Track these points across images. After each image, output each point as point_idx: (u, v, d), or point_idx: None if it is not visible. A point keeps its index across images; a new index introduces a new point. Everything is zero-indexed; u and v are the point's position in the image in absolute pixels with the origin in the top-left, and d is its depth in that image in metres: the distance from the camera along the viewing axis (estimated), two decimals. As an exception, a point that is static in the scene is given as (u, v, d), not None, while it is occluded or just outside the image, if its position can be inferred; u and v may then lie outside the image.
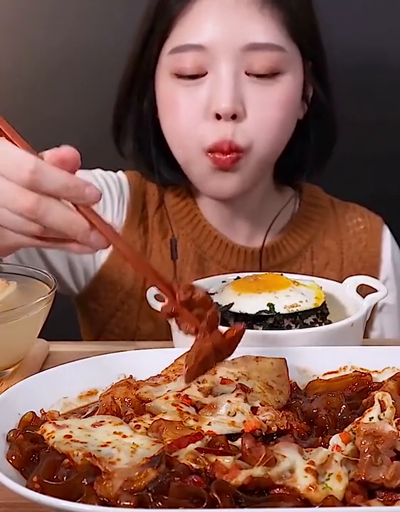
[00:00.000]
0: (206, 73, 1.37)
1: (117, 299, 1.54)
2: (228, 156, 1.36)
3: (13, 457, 0.78)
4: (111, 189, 1.55)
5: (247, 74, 1.36)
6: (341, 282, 1.19)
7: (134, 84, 1.47)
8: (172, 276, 1.51)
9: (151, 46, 1.42)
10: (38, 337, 1.12)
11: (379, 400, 0.83)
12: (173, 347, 1.08)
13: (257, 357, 0.93)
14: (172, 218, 1.54)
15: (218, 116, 1.35)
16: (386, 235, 1.61)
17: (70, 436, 0.78)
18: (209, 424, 0.81)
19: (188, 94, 1.38)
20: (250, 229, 1.54)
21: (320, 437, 0.82)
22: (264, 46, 1.36)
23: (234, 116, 1.35)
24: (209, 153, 1.37)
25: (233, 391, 0.86)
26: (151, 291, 1.12)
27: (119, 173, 1.59)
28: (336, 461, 0.75)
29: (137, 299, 1.52)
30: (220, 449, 0.77)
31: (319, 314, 1.11)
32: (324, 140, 1.52)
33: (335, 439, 0.79)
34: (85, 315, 1.60)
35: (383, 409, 0.82)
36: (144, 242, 1.54)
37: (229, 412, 0.83)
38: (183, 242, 1.53)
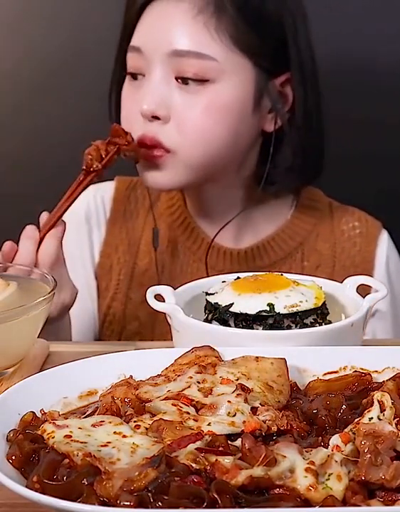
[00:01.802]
0: (144, 75, 1.41)
1: (104, 304, 1.59)
2: (155, 152, 1.39)
3: (13, 457, 0.78)
4: (96, 207, 1.62)
5: (177, 79, 1.38)
6: (341, 282, 1.19)
7: (113, 81, 1.52)
8: (154, 265, 1.56)
9: (121, 46, 1.47)
10: (38, 337, 1.12)
11: (378, 401, 0.83)
12: (173, 347, 1.08)
13: (257, 357, 0.93)
14: (165, 221, 1.58)
15: (143, 116, 1.39)
16: (383, 240, 1.59)
17: (70, 436, 0.78)
18: (209, 424, 0.81)
19: (131, 93, 1.44)
20: (237, 230, 1.55)
21: (320, 437, 0.82)
22: (187, 53, 1.37)
23: (157, 118, 1.38)
24: (139, 145, 1.41)
25: (233, 391, 0.86)
26: (151, 291, 1.12)
27: (107, 183, 1.63)
28: (336, 461, 0.75)
29: (120, 301, 1.58)
30: (220, 449, 0.77)
31: (319, 314, 1.10)
32: (307, 153, 1.48)
33: (335, 439, 0.79)
34: None
35: (382, 410, 0.82)
36: (128, 242, 1.60)
37: (229, 413, 0.83)
38: (170, 238, 1.57)
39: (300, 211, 1.59)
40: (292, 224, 1.57)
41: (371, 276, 1.53)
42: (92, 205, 1.61)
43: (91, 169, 1.36)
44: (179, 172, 1.42)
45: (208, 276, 1.41)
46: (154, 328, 1.55)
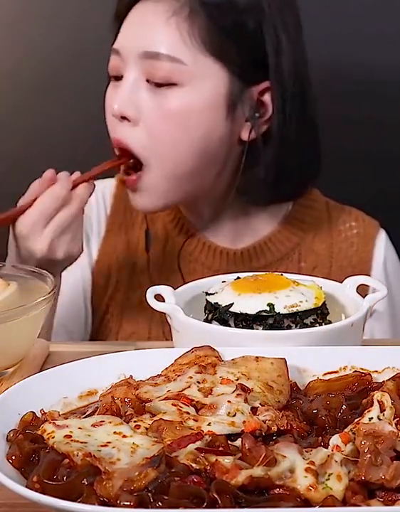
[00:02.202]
0: (122, 76, 1.42)
1: (103, 304, 1.59)
2: (130, 177, 1.41)
3: (13, 457, 0.78)
4: (97, 202, 1.61)
5: (148, 81, 1.38)
6: (341, 282, 1.19)
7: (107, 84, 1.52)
8: (146, 267, 1.55)
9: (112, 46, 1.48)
10: (38, 337, 1.12)
11: (378, 401, 0.83)
12: (173, 347, 1.08)
13: (257, 357, 0.93)
14: (161, 221, 1.58)
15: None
16: (381, 240, 1.58)
17: (70, 436, 0.78)
18: (209, 424, 0.81)
19: (111, 94, 1.45)
20: (234, 230, 1.55)
21: (320, 437, 0.82)
22: (157, 55, 1.36)
23: (126, 119, 1.39)
24: (115, 150, 1.43)
25: (233, 391, 0.86)
26: (151, 291, 1.12)
27: (108, 180, 1.63)
28: (336, 461, 0.75)
29: (118, 302, 1.57)
30: (220, 449, 0.77)
31: (319, 314, 1.10)
32: (280, 167, 1.44)
33: (335, 440, 0.79)
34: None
35: (382, 410, 0.82)
36: (128, 242, 1.59)
37: (229, 413, 0.83)
38: (165, 240, 1.57)
39: (296, 211, 1.58)
40: (289, 224, 1.57)
41: (368, 276, 1.50)
42: (92, 200, 1.59)
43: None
44: (157, 192, 1.42)
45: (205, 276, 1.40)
46: (150, 329, 1.54)
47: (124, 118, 1.39)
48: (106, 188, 1.63)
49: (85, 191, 1.36)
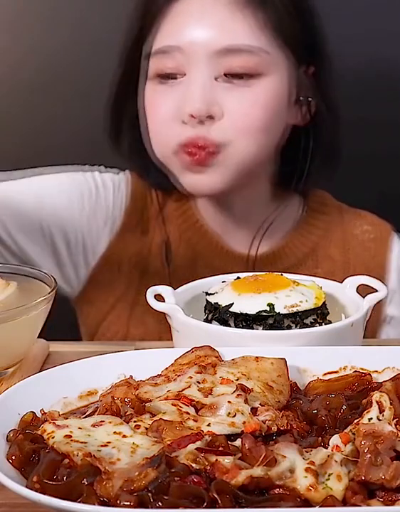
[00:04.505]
0: (185, 74, 1.37)
1: (108, 303, 1.55)
2: (205, 151, 1.35)
3: (13, 457, 0.78)
4: (106, 193, 1.53)
5: (226, 75, 1.35)
6: (342, 282, 1.19)
7: (122, 85, 1.47)
8: (167, 279, 1.49)
9: (137, 47, 1.42)
10: (38, 337, 1.12)
11: (376, 401, 0.83)
12: (173, 347, 1.08)
13: (257, 357, 0.93)
14: (173, 222, 1.54)
15: (193, 117, 1.34)
16: (394, 244, 1.55)
17: (70, 436, 0.78)
18: (209, 424, 0.81)
19: (166, 94, 1.39)
20: (250, 236, 1.52)
21: (320, 437, 0.82)
22: (243, 48, 1.34)
23: (211, 117, 1.35)
24: (186, 148, 1.36)
25: (234, 392, 0.86)
26: (151, 291, 1.12)
27: (123, 173, 1.57)
28: (336, 461, 0.75)
29: (128, 303, 1.53)
30: (220, 449, 0.77)
31: (319, 314, 1.10)
32: (326, 149, 1.48)
33: (335, 440, 0.79)
34: (80, 317, 1.61)
35: (381, 410, 0.82)
36: (142, 244, 1.54)
37: (229, 413, 0.83)
38: (184, 247, 1.53)
39: (310, 216, 1.56)
40: (303, 230, 1.55)
41: (384, 282, 1.47)
42: (109, 185, 1.54)
43: None
44: (226, 172, 1.38)
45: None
46: (161, 336, 1.50)
47: (208, 117, 1.35)
48: (121, 182, 1.56)
49: None
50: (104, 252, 1.54)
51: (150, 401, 0.85)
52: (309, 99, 1.44)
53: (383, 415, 0.81)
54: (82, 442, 0.78)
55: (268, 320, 1.07)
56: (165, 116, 1.39)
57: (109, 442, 0.78)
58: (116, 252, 1.54)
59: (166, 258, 1.51)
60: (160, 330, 1.48)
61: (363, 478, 0.74)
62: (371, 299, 1.11)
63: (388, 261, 1.54)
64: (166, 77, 1.39)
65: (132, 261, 1.54)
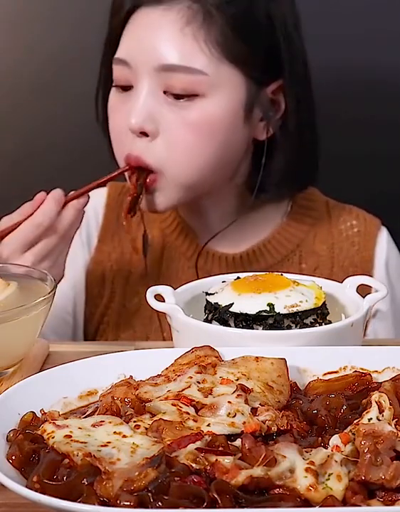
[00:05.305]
0: (132, 87, 1.37)
1: (97, 313, 1.57)
2: (148, 177, 1.36)
3: (13, 457, 0.78)
4: (88, 214, 1.53)
5: (165, 93, 1.34)
6: (342, 282, 1.19)
7: (99, 89, 1.49)
8: (142, 274, 1.52)
9: (106, 53, 1.44)
10: (38, 337, 1.12)
11: (376, 402, 0.83)
12: (173, 347, 1.08)
13: (257, 357, 0.93)
14: (154, 223, 1.56)
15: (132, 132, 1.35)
16: (382, 239, 1.55)
17: (70, 436, 0.78)
18: (209, 424, 0.81)
19: (122, 103, 1.39)
20: (233, 235, 1.52)
21: (320, 437, 0.82)
22: (177, 68, 1.32)
23: (146, 134, 1.34)
24: (126, 162, 1.38)
25: (234, 392, 0.86)
26: (151, 291, 1.12)
27: (100, 190, 1.58)
28: (336, 461, 0.75)
29: (114, 310, 1.55)
30: (220, 449, 0.77)
31: (319, 314, 1.10)
32: (300, 160, 1.46)
33: (335, 440, 0.79)
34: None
35: (381, 411, 0.82)
36: (121, 250, 1.57)
37: (229, 413, 0.83)
38: (165, 248, 1.54)
39: (296, 212, 1.56)
40: (289, 226, 1.55)
41: (370, 276, 1.48)
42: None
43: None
44: (170, 193, 1.39)
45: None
46: (148, 338, 1.51)
47: (142, 133, 1.35)
48: (97, 197, 1.58)
49: (73, 212, 1.32)
50: (89, 270, 1.58)
51: (150, 401, 0.85)
52: (271, 115, 1.41)
53: (383, 415, 0.81)
54: (82, 442, 0.78)
55: (268, 320, 1.07)
56: (117, 127, 1.40)
57: (109, 442, 0.78)
58: (98, 266, 1.58)
59: (143, 250, 1.51)
60: (148, 333, 1.49)
61: (363, 478, 0.74)
62: (371, 299, 1.10)
63: (375, 255, 1.54)
64: (119, 87, 1.39)
65: (114, 269, 1.57)
